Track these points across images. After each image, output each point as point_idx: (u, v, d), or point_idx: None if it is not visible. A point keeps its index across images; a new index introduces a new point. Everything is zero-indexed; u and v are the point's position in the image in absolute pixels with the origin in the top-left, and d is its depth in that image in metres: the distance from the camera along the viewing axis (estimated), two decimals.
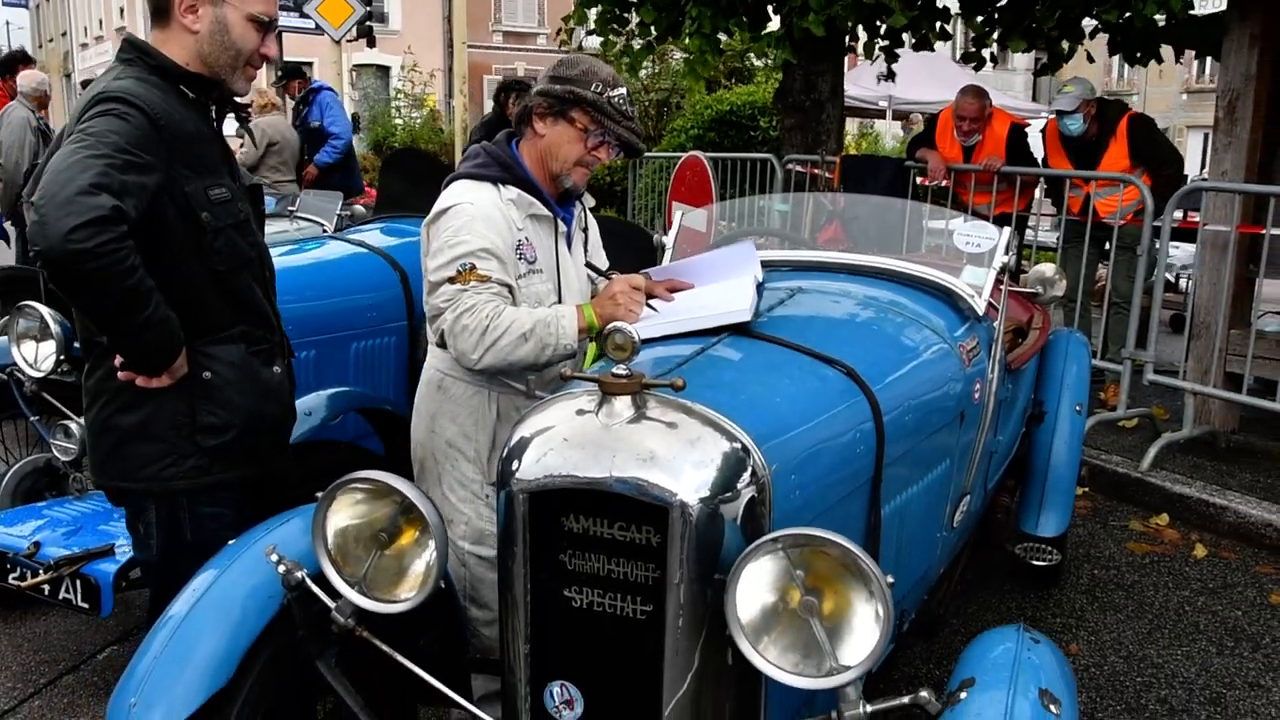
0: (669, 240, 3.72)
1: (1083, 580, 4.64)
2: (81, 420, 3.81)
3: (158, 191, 2.25)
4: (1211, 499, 5.28)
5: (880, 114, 21.56)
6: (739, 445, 2.04)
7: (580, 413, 2.11)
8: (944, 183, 7.43)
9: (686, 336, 2.63)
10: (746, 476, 2.03)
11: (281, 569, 2.18)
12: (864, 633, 1.81)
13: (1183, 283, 9.23)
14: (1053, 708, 1.81)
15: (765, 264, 3.16)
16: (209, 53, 2.45)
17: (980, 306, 3.32)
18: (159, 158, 2.27)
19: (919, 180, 7.60)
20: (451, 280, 2.71)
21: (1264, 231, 5.73)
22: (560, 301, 2.93)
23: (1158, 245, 6.19)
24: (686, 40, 8.21)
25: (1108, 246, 7.02)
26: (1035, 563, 3.94)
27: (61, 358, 3.97)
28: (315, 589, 2.17)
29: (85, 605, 3.43)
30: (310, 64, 30.50)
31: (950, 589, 3.55)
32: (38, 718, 3.56)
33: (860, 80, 15.13)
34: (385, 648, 2.18)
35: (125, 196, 2.15)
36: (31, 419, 4.09)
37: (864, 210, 4.78)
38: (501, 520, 2.11)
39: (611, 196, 16.16)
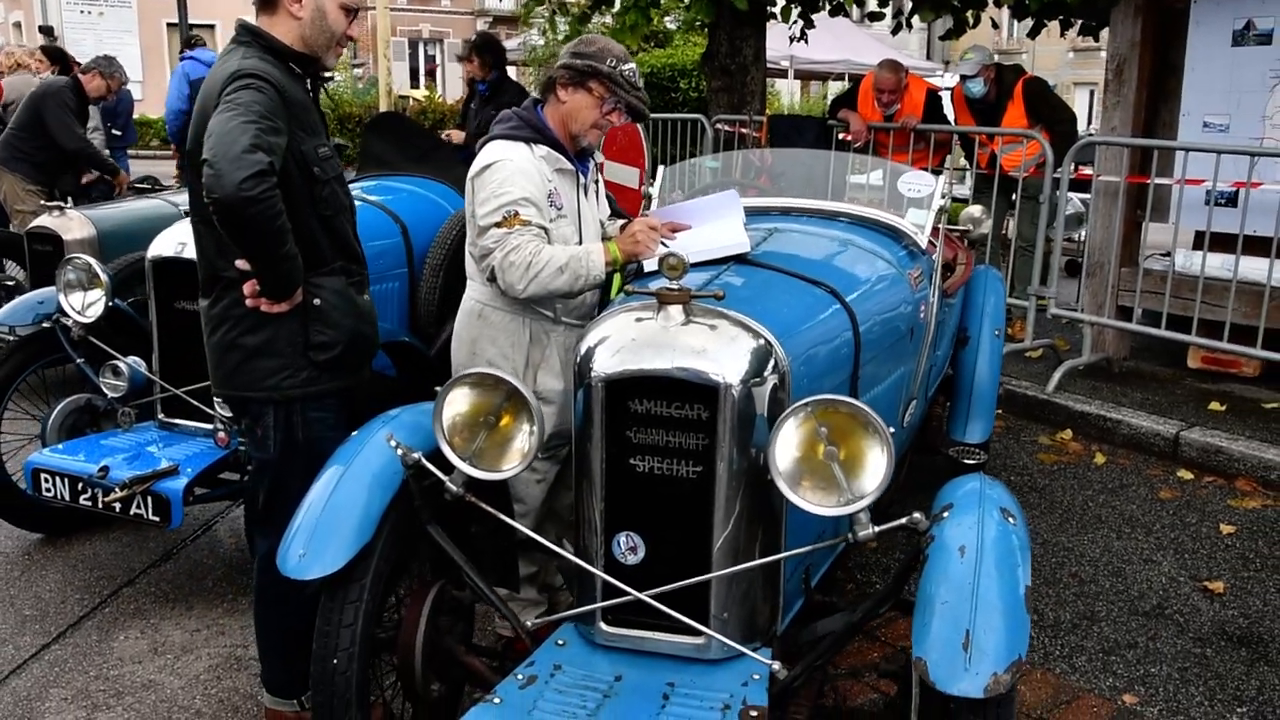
0: (654, 190, 4.29)
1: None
2: (129, 360, 4.29)
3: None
4: (1108, 415, 6.05)
5: (783, 74, 22.31)
6: (765, 342, 2.64)
7: (639, 320, 2.68)
8: (865, 140, 8.08)
9: (701, 265, 3.22)
10: (771, 365, 2.62)
11: (399, 452, 2.73)
12: (873, 470, 2.42)
13: (1079, 232, 10.03)
14: (1010, 520, 2.44)
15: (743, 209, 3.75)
16: (310, 35, 2.95)
17: (923, 241, 3.97)
18: (284, 122, 2.78)
19: (840, 136, 8.25)
20: (498, 225, 3.24)
21: (1149, 181, 6.48)
22: (581, 241, 3.48)
23: (1057, 194, 6.94)
24: (617, 8, 8.76)
25: (1014, 197, 7.77)
26: (967, 461, 4.62)
27: (111, 304, 4.41)
28: (429, 466, 2.72)
29: (156, 518, 3.90)
30: (212, 26, 30.22)
31: (897, 484, 4.20)
32: (109, 623, 4.04)
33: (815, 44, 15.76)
34: (489, 508, 2.75)
35: (272, 154, 2.66)
36: (78, 361, 4.51)
37: (791, 165, 5.33)
38: (580, 408, 2.68)
39: None
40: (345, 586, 2.58)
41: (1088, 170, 7.23)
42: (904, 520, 2.48)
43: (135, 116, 10.26)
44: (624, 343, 2.63)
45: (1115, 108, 6.97)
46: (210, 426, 4.23)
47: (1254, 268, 6.05)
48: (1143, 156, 6.76)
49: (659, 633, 2.67)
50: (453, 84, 31.19)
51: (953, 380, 4.96)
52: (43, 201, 6.79)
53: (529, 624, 2.77)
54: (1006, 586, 2.22)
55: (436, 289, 4.96)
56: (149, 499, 3.88)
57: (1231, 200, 6.35)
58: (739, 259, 3.28)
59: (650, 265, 3.34)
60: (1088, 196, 7.97)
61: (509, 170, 3.28)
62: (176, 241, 4.23)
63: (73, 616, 4.06)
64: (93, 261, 4.43)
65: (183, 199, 7.03)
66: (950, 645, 2.14)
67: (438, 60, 35.50)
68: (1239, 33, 6.47)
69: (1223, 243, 6.32)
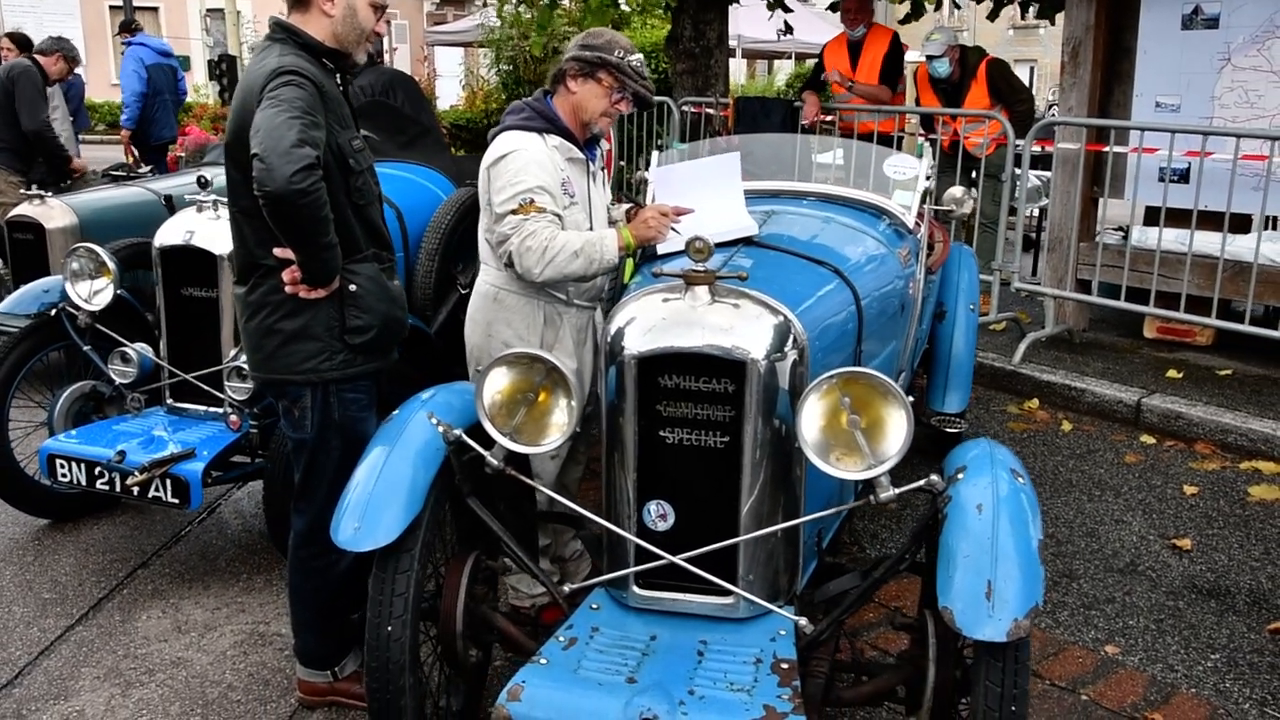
0: (650, 175, 4.44)
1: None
2: (137, 347, 4.38)
3: (324, 143, 2.89)
4: (1073, 384, 6.31)
5: (730, 54, 22.61)
6: (785, 319, 2.82)
7: (666, 300, 2.85)
8: (823, 119, 8.28)
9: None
10: (791, 341, 2.80)
11: (440, 429, 2.88)
12: (895, 435, 2.60)
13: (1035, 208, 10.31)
14: (1020, 479, 2.65)
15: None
16: (341, 32, 3.08)
17: (910, 221, 4.17)
18: (322, 117, 2.90)
19: (803, 122, 8.45)
20: (514, 212, 3.39)
21: (1108, 149, 6.74)
22: (592, 226, 3.63)
23: (1018, 171, 7.17)
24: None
25: (974, 175, 8.01)
26: (949, 430, 4.84)
27: (119, 291, 4.49)
28: (470, 441, 2.88)
29: (175, 501, 4.01)
30: (155, 9, 29.74)
31: None
32: (129, 604, 4.15)
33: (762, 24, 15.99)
34: (530, 481, 2.92)
35: (316, 148, 2.79)
36: (84, 348, 4.59)
37: (758, 147, 5.48)
38: (611, 385, 2.84)
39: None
40: (397, 556, 2.73)
41: (1049, 144, 7.46)
42: (922, 482, 2.67)
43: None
44: (654, 322, 2.80)
45: (1072, 88, 7.22)
46: (220, 410, 4.34)
47: (1207, 241, 6.33)
48: (1099, 136, 7.01)
49: (689, 594, 2.85)
50: (401, 65, 30.97)
51: (931, 353, 5.19)
52: (23, 191, 6.78)
53: (566, 589, 2.93)
54: (1022, 540, 2.42)
55: (432, 273, 5.09)
56: (168, 482, 3.99)
57: (1184, 177, 6.62)
58: (746, 241, 3.46)
59: (663, 248, 3.51)
60: (1045, 174, 8.23)
61: (524, 160, 3.42)
62: (184, 230, 4.33)
63: (92, 598, 4.16)
64: (100, 250, 4.50)
65: (160, 185, 7.07)
66: (974, 595, 2.34)
67: (387, 42, 35.19)
68: (1188, 17, 6.74)
69: (1175, 218, 6.60)
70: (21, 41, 8.64)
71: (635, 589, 2.89)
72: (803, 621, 2.75)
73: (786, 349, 2.79)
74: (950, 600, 2.37)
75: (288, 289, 3.02)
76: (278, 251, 3.01)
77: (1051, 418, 6.15)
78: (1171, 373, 6.43)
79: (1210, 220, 6.39)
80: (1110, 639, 3.81)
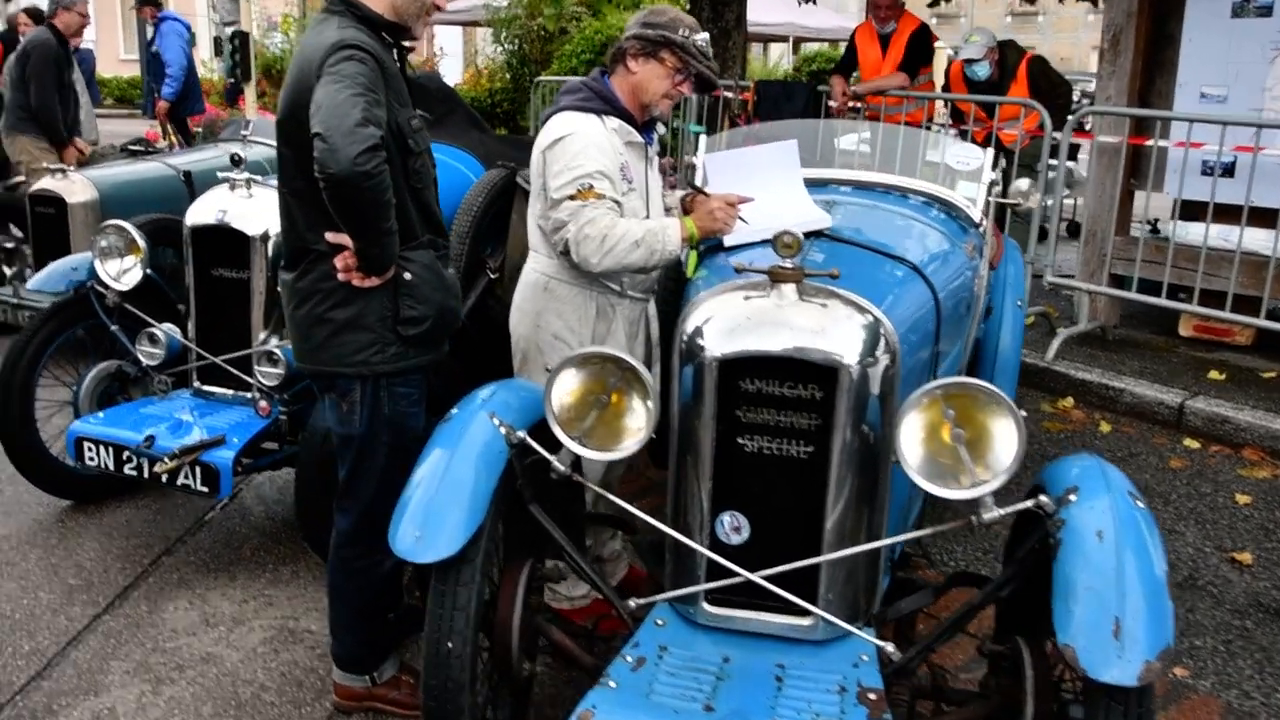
0: (698, 160, 4.26)
1: None
2: (165, 327, 4.20)
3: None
4: (1110, 383, 6.14)
5: (779, 39, 22.71)
6: (876, 321, 2.64)
7: (748, 298, 2.67)
8: (854, 104, 8.09)
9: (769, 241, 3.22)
10: (883, 344, 2.63)
11: (503, 431, 2.70)
12: (1003, 451, 2.43)
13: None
14: (1139, 502, 2.49)
15: None
16: (401, 4, 2.89)
17: (977, 215, 3.99)
18: (383, 94, 2.71)
19: (830, 104, 8.27)
20: (572, 198, 3.21)
21: (1152, 143, 6.55)
22: (648, 213, 3.45)
23: (1054, 163, 7.00)
24: None
25: (1008, 168, 7.83)
26: None
27: (148, 271, 4.30)
28: (534, 445, 2.71)
29: (204, 489, 3.85)
30: None
31: None
32: (156, 593, 3.99)
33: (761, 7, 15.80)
34: (598, 489, 2.77)
35: (380, 127, 2.61)
36: (112, 328, 4.42)
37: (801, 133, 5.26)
38: (689, 386, 2.67)
39: (494, 117, 16.43)
40: (458, 568, 2.55)
41: (1085, 137, 7.27)
42: (1030, 503, 2.51)
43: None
44: (738, 322, 2.62)
45: (1111, 77, 7.03)
46: (248, 395, 4.17)
47: (1251, 239, 6.16)
48: (1138, 127, 6.83)
49: (764, 613, 2.68)
50: None
51: (975, 351, 5.02)
52: (46, 165, 6.68)
53: (631, 604, 2.76)
54: (1149, 572, 2.25)
55: (463, 256, 4.89)
56: (197, 469, 3.83)
57: (1228, 170, 6.44)
58: (817, 234, 3.28)
59: (730, 240, 3.33)
60: (1069, 164, 8.06)
61: (583, 143, 3.25)
62: (217, 209, 4.15)
63: (118, 586, 4.01)
64: (129, 227, 4.32)
65: (178, 160, 6.89)
66: (1099, 632, 2.16)
67: None
68: (1239, 5, 6.54)
69: (1212, 212, 6.42)
70: (37, 16, 8.51)
71: (705, 606, 2.72)
72: (889, 648, 2.59)
73: (878, 353, 2.61)
74: (1071, 637, 2.19)
75: (340, 276, 2.84)
76: (330, 236, 2.84)
77: (1088, 418, 5.99)
78: (1213, 374, 6.26)
79: (1254, 216, 6.20)
80: (1177, 659, 3.66)
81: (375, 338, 2.90)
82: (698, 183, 4.04)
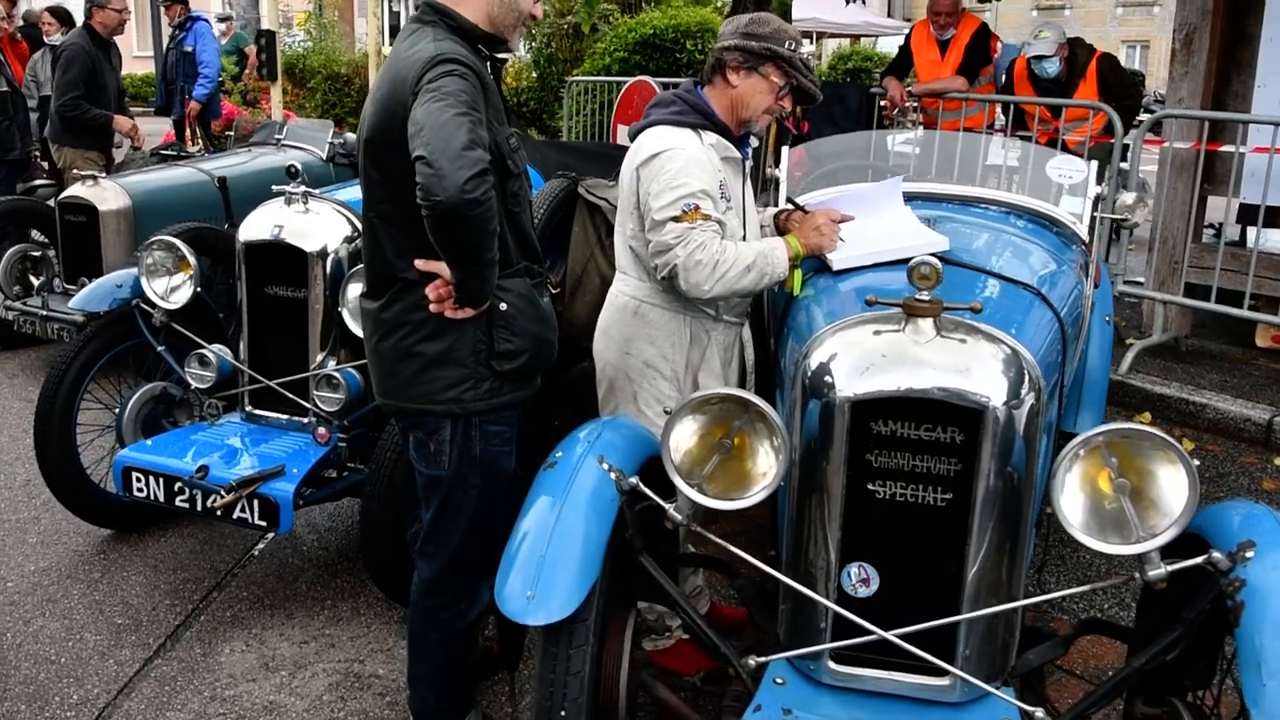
0: (781, 174, 4.02)
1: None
2: (215, 348, 3.98)
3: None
4: (1190, 398, 5.88)
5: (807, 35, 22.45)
6: (1021, 357, 2.41)
7: (878, 333, 2.44)
8: (907, 105, 7.85)
9: (883, 265, 3.01)
10: (1027, 383, 2.39)
11: (613, 476, 2.47)
12: (1170, 502, 2.21)
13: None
14: None
15: None
16: (498, 14, 2.65)
17: (1084, 232, 3.74)
18: (484, 112, 2.48)
19: (882, 103, 8.03)
20: (676, 219, 2.97)
21: (1231, 149, 6.27)
22: (745, 233, 3.22)
23: (1124, 166, 6.73)
24: None
25: None
26: None
27: (198, 289, 4.09)
28: (648, 491, 2.48)
29: (263, 523, 3.60)
30: None
31: None
32: (209, 633, 3.76)
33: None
34: (716, 539, 2.52)
35: (486, 149, 2.38)
36: (159, 349, 4.21)
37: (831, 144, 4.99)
38: (814, 429, 2.43)
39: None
40: (571, 628, 2.32)
41: (1156, 139, 7.01)
42: (1200, 560, 2.27)
43: None
44: (872, 359, 2.38)
45: (1184, 78, 6.76)
46: (303, 420, 3.95)
47: None
48: (1212, 130, 6.56)
49: (895, 672, 2.45)
50: None
51: None
52: (79, 171, 6.47)
53: (751, 662, 2.52)
54: None
55: None
56: (254, 502, 3.59)
57: None
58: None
59: (839, 264, 3.10)
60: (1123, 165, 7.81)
61: (683, 160, 3.02)
62: (273, 224, 3.93)
63: (168, 626, 3.78)
64: (179, 243, 4.10)
65: (211, 165, 6.67)
66: None
67: (403, 16, 34.33)
68: None
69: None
70: (62, 15, 8.30)
71: (830, 664, 2.48)
72: (1039, 713, 2.35)
73: (1023, 393, 2.37)
74: (1266, 714, 1.97)
75: (432, 308, 2.61)
76: (420, 264, 2.61)
77: (1169, 435, 5.71)
78: None
79: None
80: None
81: (468, 373, 2.67)
82: (780, 199, 3.83)
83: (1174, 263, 6.68)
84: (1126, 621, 3.52)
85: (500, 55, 2.78)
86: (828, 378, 2.41)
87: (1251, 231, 6.45)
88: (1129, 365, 6.25)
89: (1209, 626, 2.39)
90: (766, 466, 2.41)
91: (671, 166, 3.01)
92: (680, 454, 2.44)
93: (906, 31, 8.36)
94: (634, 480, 2.48)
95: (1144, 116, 7.22)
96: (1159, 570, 2.25)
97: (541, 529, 2.37)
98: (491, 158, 2.48)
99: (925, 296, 2.38)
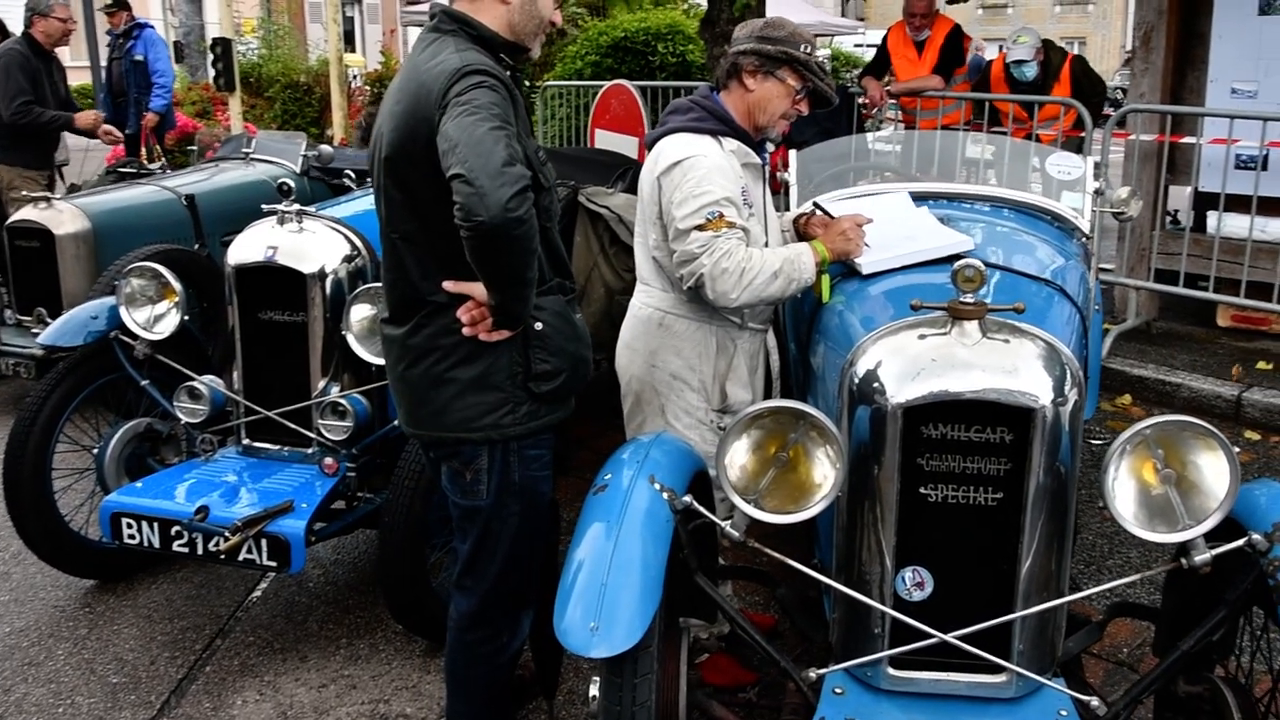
0: (791, 177, 4.01)
1: (1087, 454, 5.25)
2: (206, 380, 3.86)
3: None
4: (1166, 378, 6.04)
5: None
6: (1062, 354, 2.42)
7: (923, 337, 2.43)
8: (886, 103, 7.94)
9: (912, 268, 3.02)
10: (1070, 379, 2.40)
11: (665, 496, 2.44)
12: (1213, 489, 2.26)
13: None
14: None
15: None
16: (519, 22, 2.60)
17: (1085, 226, 3.78)
18: (515, 125, 2.44)
19: (861, 103, 8.09)
20: (700, 228, 2.95)
21: (1192, 140, 6.48)
22: (768, 239, 3.21)
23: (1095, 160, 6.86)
24: None
25: None
26: (1093, 442, 4.48)
27: (185, 318, 3.96)
28: (702, 510, 2.45)
29: (273, 563, 3.46)
30: None
31: None
32: (217, 685, 3.59)
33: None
34: (776, 555, 2.49)
35: (524, 164, 2.33)
36: (142, 383, 4.06)
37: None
38: (865, 435, 2.42)
39: None
40: (636, 658, 2.27)
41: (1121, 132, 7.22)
42: (1241, 542, 2.32)
43: None
44: (921, 364, 2.38)
45: (1144, 74, 6.97)
46: (306, 451, 3.85)
47: None
48: (1172, 123, 6.73)
49: (952, 673, 2.46)
50: (373, 49, 30.00)
51: None
52: (26, 192, 6.15)
53: (812, 674, 2.50)
54: None
55: None
56: (263, 541, 3.45)
57: (1264, 164, 6.34)
58: (950, 258, 3.05)
59: (868, 268, 3.10)
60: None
61: (706, 167, 3.00)
62: (265, 245, 3.81)
63: (171, 680, 3.59)
64: (163, 269, 3.97)
65: (176, 183, 6.47)
66: None
67: (357, 22, 33.64)
68: (1265, 2, 6.53)
69: (1240, 204, 6.35)
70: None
71: (889, 669, 2.47)
72: (1095, 702, 2.36)
73: (1067, 389, 2.39)
74: None
75: (465, 331, 2.55)
76: (449, 286, 2.54)
77: (1148, 414, 5.79)
78: (1261, 364, 6.17)
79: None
80: None
81: (505, 397, 2.60)
82: (792, 203, 3.83)
83: (1142, 250, 6.83)
84: (1146, 603, 3.56)
85: (524, 64, 2.73)
86: (877, 384, 2.40)
87: (1211, 218, 6.62)
88: (1108, 349, 6.38)
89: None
90: (823, 476, 2.39)
91: (694, 174, 2.99)
92: (735, 470, 2.41)
93: (883, 33, 8.46)
94: (688, 499, 2.45)
95: (1109, 111, 7.39)
96: (1204, 555, 2.30)
97: (599, 556, 2.32)
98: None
99: (970, 299, 2.39)
